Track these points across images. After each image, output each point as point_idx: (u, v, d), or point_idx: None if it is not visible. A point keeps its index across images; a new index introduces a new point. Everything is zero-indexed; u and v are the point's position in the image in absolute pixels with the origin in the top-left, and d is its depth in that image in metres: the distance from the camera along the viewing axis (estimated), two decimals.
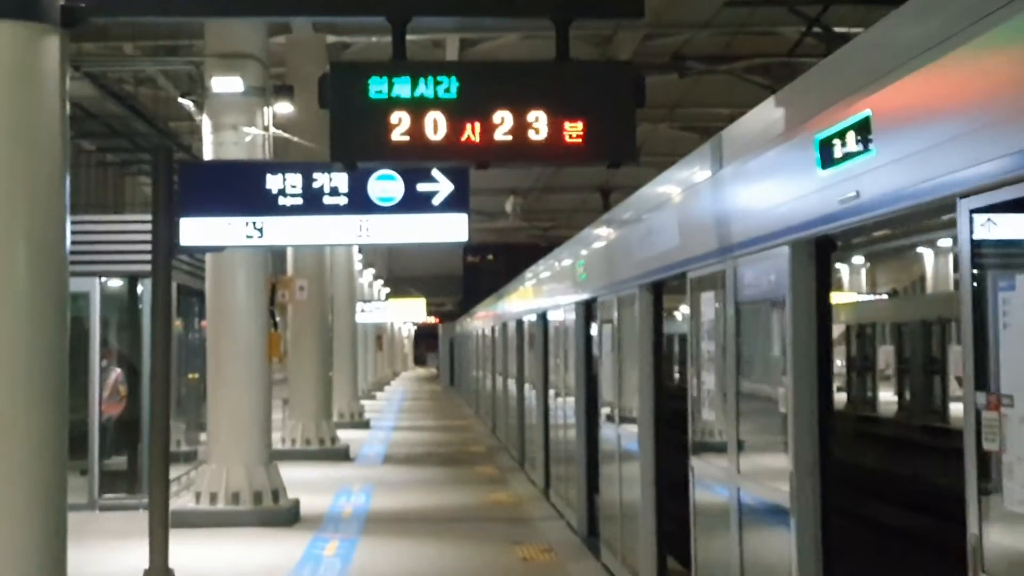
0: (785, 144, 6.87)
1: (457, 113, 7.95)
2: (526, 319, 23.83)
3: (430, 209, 12.59)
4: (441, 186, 12.59)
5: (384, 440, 32.73)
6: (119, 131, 25.45)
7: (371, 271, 57.81)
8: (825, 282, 6.82)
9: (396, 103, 7.96)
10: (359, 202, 12.70)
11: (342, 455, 27.52)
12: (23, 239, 8.54)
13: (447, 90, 7.95)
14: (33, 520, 8.73)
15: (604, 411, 13.85)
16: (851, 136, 5.73)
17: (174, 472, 20.15)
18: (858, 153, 5.68)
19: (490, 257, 78.17)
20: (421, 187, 12.60)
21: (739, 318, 8.00)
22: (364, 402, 42.57)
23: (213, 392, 17.64)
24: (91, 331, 18.62)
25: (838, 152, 5.91)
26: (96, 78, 19.85)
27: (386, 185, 12.72)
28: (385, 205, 12.66)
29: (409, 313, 67.17)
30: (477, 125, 7.95)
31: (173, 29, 21.23)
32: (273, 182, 12.75)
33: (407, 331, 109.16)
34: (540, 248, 44.06)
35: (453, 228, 12.62)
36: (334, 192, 12.77)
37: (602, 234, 14.05)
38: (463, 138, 7.94)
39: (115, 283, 19.53)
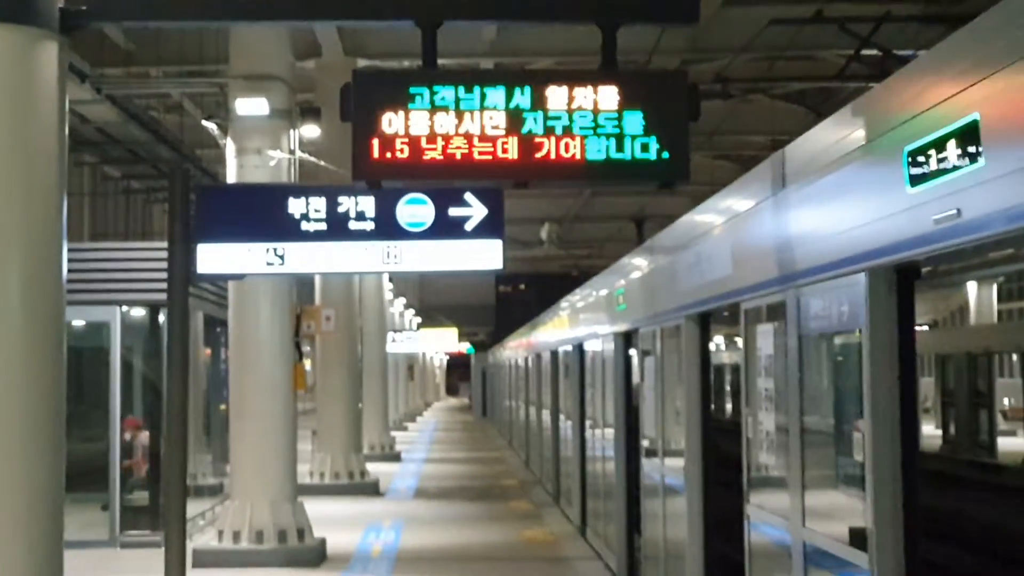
0: (863, 159, 6.11)
1: (495, 126, 7.23)
2: (561, 350, 23.15)
3: (463, 235, 11.93)
4: (474, 210, 11.94)
5: (415, 473, 32.00)
6: (143, 157, 24.86)
7: (402, 300, 57.14)
8: (908, 313, 6.05)
9: (429, 115, 7.24)
10: (387, 227, 12.07)
11: (372, 489, 26.80)
12: (17, 262, 7.81)
13: (483, 101, 7.23)
14: (26, 561, 7.99)
15: (646, 446, 13.12)
16: (952, 145, 4.96)
17: (200, 507, 19.52)
18: (961, 165, 4.90)
19: (522, 287, 77.79)
20: (453, 211, 11.96)
21: (803, 352, 7.24)
22: (395, 433, 41.88)
23: (236, 426, 16.93)
24: (112, 361, 17.97)
25: (933, 164, 5.15)
26: (118, 101, 19.23)
27: (416, 209, 12.08)
28: (415, 231, 12.02)
29: (441, 343, 66.41)
30: (516, 140, 7.23)
31: (198, 53, 20.62)
32: (296, 206, 12.11)
33: (439, 361, 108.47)
34: (572, 278, 43.37)
35: (487, 255, 11.95)
36: (360, 217, 12.13)
37: (643, 263, 13.31)
38: (501, 155, 7.21)
39: (137, 312, 18.87)
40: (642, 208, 41.56)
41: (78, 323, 19.00)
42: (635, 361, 14.57)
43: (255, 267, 12.06)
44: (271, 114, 16.49)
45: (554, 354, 24.64)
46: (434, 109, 7.28)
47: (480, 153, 7.23)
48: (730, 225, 8.94)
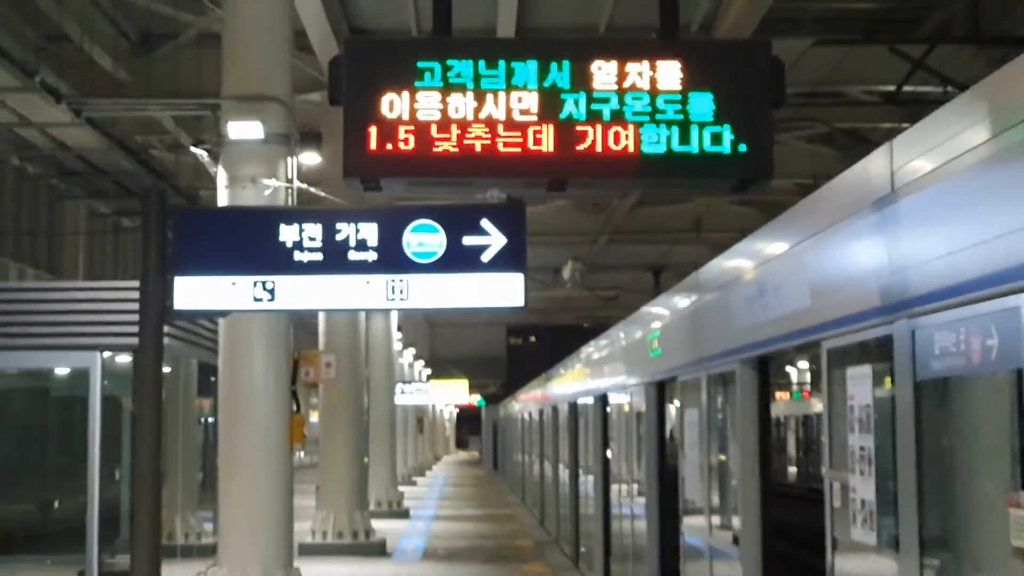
0: None
1: (525, 110, 5.67)
2: (581, 401, 21.60)
3: (478, 267, 10.50)
4: (492, 239, 10.50)
5: (424, 532, 30.35)
6: (132, 191, 23.34)
7: (411, 351, 55.52)
8: None
9: (441, 96, 5.67)
10: (391, 258, 10.63)
11: (378, 549, 25.18)
12: None
13: (510, 78, 5.67)
14: None
15: (688, 506, 11.55)
16: None
17: (194, 568, 17.91)
18: None
19: (533, 339, 76.92)
20: (468, 240, 10.55)
21: (922, 401, 5.64)
22: (404, 488, 40.34)
23: (226, 483, 15.25)
24: (91, 411, 16.31)
25: None
26: (99, 125, 17.72)
27: (424, 237, 10.62)
28: (423, 262, 10.58)
29: (451, 395, 64.80)
30: (551, 129, 5.66)
31: (196, 86, 19.14)
32: (287, 233, 10.66)
33: (449, 414, 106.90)
34: (584, 331, 41.86)
35: (506, 290, 10.48)
36: (361, 246, 10.66)
37: (686, 301, 11.70)
38: (532, 147, 5.65)
39: (124, 358, 17.26)
40: (662, 257, 40.16)
41: (62, 371, 17.55)
42: (672, 413, 13.06)
43: (240, 303, 10.59)
44: (267, 139, 14.91)
45: (573, 406, 23.11)
46: (448, 88, 5.74)
47: (506, 145, 5.70)
48: (807, 247, 7.34)
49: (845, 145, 28.01)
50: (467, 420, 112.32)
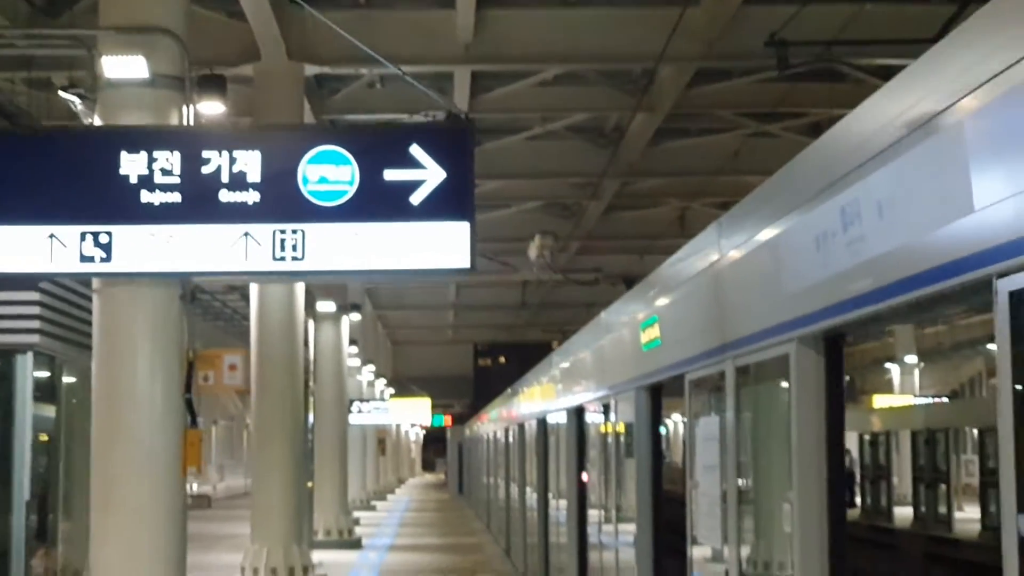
0: None
1: None
2: (551, 417, 18.58)
3: (406, 213, 7.49)
4: (427, 173, 7.49)
5: (375, 565, 27.16)
6: None
7: (371, 368, 52.21)
8: None
9: None
10: (282, 200, 7.58)
11: None
12: None
13: None
14: None
15: (699, 539, 8.46)
16: None
17: None
18: None
19: (502, 360, 75.49)
20: (391, 175, 7.56)
21: None
22: (362, 514, 37.25)
23: (99, 521, 11.88)
24: None
25: None
26: None
27: (328, 171, 7.59)
28: (327, 205, 7.53)
29: (411, 415, 61.52)
30: None
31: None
32: (131, 164, 7.58)
33: (415, 435, 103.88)
34: (553, 349, 39.05)
35: (445, 245, 7.37)
36: (238, 183, 7.59)
37: (701, 264, 8.43)
38: None
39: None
40: (635, 266, 37.19)
41: None
42: (674, 424, 9.98)
43: (62, 264, 7.49)
44: (153, 80, 11.60)
45: (542, 423, 20.03)
46: None
47: None
48: (974, 103, 4.15)
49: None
50: (434, 441, 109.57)
